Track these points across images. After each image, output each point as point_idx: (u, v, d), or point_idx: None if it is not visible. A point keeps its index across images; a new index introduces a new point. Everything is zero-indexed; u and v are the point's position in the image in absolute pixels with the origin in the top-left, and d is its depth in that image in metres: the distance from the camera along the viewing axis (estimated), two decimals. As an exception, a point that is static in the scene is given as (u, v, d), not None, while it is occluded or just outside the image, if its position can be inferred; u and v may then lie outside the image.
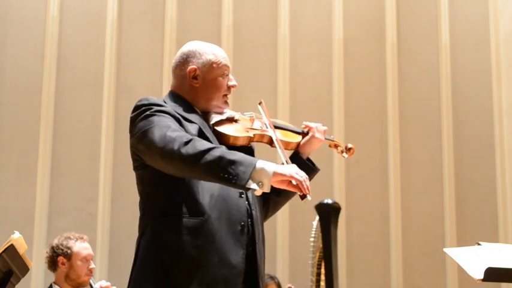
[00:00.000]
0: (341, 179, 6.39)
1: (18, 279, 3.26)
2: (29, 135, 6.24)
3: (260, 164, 2.38)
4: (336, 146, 3.02)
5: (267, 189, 2.37)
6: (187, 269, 2.48)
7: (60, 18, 6.44)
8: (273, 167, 2.38)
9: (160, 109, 2.58)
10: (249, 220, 2.62)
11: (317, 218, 4.78)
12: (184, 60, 2.77)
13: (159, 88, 6.28)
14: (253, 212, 2.64)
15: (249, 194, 2.65)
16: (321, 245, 4.72)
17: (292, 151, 2.88)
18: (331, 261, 4.68)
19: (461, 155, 6.51)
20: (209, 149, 2.39)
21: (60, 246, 4.17)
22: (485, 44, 6.65)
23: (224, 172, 2.35)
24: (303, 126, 2.93)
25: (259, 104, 2.82)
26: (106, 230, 6.15)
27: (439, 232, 6.38)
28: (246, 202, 2.63)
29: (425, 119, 6.59)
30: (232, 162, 2.36)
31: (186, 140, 2.41)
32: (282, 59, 6.55)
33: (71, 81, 6.38)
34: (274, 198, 2.85)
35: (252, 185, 2.35)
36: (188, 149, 2.38)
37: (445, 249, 3.14)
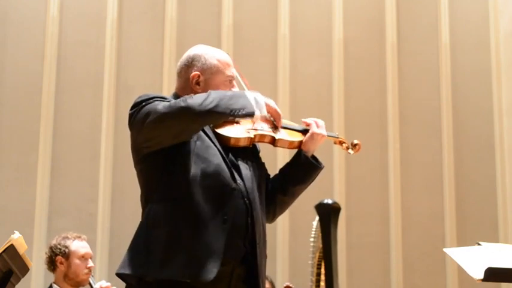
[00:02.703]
0: (341, 179, 6.39)
1: (18, 279, 3.26)
2: (29, 135, 6.24)
3: (250, 94, 2.65)
4: (341, 143, 2.99)
5: (265, 113, 2.65)
6: (168, 253, 2.53)
7: (60, 18, 6.44)
8: (263, 98, 2.67)
9: (159, 96, 2.66)
10: (249, 220, 2.64)
11: (317, 218, 4.78)
12: (190, 64, 2.80)
13: (159, 88, 6.28)
14: (254, 213, 2.66)
15: (250, 195, 2.66)
16: (321, 245, 4.72)
17: (295, 150, 2.87)
18: (331, 261, 4.68)
19: (461, 155, 6.51)
20: (208, 95, 2.58)
21: (58, 246, 4.18)
22: (485, 44, 6.65)
23: (232, 107, 2.56)
24: (303, 123, 2.93)
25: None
26: (106, 230, 6.15)
27: (439, 232, 6.38)
28: (248, 202, 2.65)
29: (425, 119, 6.59)
30: (233, 97, 2.60)
31: (184, 98, 2.58)
32: (282, 59, 6.55)
33: (71, 81, 6.38)
34: (281, 198, 2.88)
35: (257, 112, 2.61)
36: (193, 101, 2.56)
37: (445, 249, 3.14)
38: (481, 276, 2.70)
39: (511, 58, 6.55)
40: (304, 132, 2.88)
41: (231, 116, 2.58)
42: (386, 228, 6.40)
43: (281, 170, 2.93)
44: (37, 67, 6.34)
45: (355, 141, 2.97)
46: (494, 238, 6.17)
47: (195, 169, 2.60)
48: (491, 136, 6.53)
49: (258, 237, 2.65)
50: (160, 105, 2.57)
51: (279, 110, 2.74)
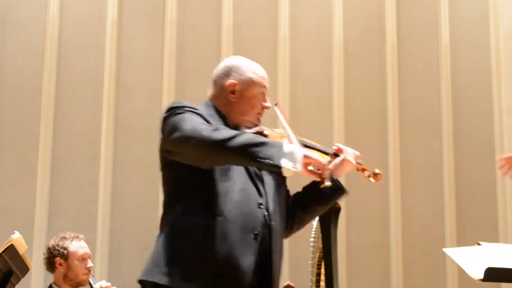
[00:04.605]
0: (341, 179, 6.36)
1: (18, 279, 3.27)
2: (29, 135, 6.24)
3: (288, 146, 2.49)
4: (363, 170, 3.04)
5: (299, 169, 2.46)
6: (196, 265, 2.55)
7: (60, 18, 6.44)
8: (302, 150, 2.51)
9: (192, 110, 2.67)
10: (266, 231, 2.68)
11: (317, 218, 4.78)
12: (227, 73, 2.87)
13: (159, 88, 6.27)
14: (273, 223, 2.70)
15: (270, 205, 2.70)
16: (321, 245, 4.71)
17: None
18: (331, 261, 4.67)
19: (461, 155, 6.50)
20: (238, 134, 2.51)
21: (57, 247, 4.18)
22: (485, 44, 6.65)
23: (257, 153, 2.45)
24: (335, 148, 2.95)
25: (276, 105, 2.89)
26: (106, 230, 6.14)
27: (439, 232, 6.37)
28: (266, 213, 2.69)
29: (425, 119, 6.59)
30: (264, 144, 2.48)
31: (214, 128, 2.54)
32: (282, 59, 6.54)
33: (71, 81, 6.37)
34: (300, 214, 2.95)
35: (287, 164, 2.44)
36: (218, 134, 2.50)
37: (444, 249, 3.14)
38: (481, 276, 2.70)
39: (511, 58, 6.55)
40: (331, 155, 2.91)
41: (253, 163, 2.51)
42: (386, 228, 6.39)
43: (305, 188, 2.95)
44: (37, 67, 6.34)
45: (377, 171, 3.02)
46: (494, 238, 6.17)
47: (223, 184, 2.63)
48: (491, 136, 6.52)
49: (274, 248, 2.69)
50: (188, 124, 2.56)
51: (322, 160, 2.54)
